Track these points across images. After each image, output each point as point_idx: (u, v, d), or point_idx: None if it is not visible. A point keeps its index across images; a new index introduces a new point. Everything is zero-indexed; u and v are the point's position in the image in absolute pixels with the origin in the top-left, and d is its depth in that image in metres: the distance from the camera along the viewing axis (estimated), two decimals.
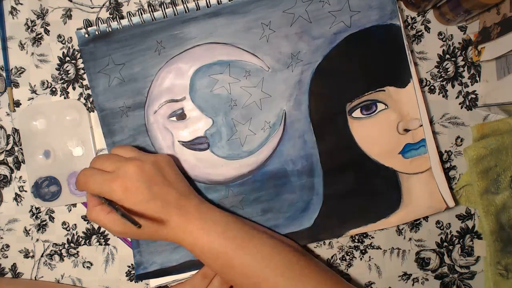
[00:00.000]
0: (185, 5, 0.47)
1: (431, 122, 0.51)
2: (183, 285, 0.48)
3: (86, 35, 0.48)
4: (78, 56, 0.51)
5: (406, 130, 0.48)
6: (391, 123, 0.48)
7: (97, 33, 0.48)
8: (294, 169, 0.48)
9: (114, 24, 0.47)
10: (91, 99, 0.51)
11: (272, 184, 0.49)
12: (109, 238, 0.52)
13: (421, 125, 0.48)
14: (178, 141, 0.48)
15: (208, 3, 0.47)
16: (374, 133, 0.48)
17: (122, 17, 0.49)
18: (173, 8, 0.47)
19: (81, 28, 0.48)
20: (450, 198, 0.48)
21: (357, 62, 0.48)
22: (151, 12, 0.47)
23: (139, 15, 0.47)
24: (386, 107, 0.48)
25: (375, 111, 0.48)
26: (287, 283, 0.40)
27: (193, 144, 0.49)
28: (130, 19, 0.47)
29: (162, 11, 0.47)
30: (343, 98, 0.48)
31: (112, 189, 0.40)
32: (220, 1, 0.47)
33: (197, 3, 0.47)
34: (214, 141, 0.48)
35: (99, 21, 0.48)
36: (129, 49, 0.48)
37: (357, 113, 0.48)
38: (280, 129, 0.48)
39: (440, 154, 0.51)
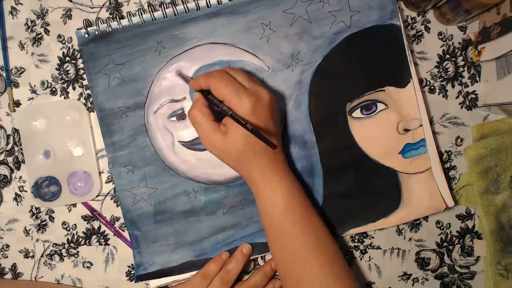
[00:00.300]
0: (185, 5, 0.47)
1: (431, 122, 0.51)
2: (183, 286, 0.48)
3: (86, 35, 0.48)
4: (78, 56, 0.51)
5: (406, 130, 0.48)
6: (391, 123, 0.48)
7: (97, 33, 0.48)
8: (294, 169, 0.48)
9: (114, 24, 0.47)
10: (91, 99, 0.51)
11: None
12: (109, 238, 0.52)
13: (421, 125, 0.48)
14: (178, 141, 0.48)
15: (208, 3, 0.47)
16: (374, 133, 0.48)
17: (122, 17, 0.49)
18: (173, 8, 0.47)
19: (81, 28, 0.48)
20: (450, 198, 0.48)
21: (357, 62, 0.48)
22: (151, 12, 0.47)
23: (139, 15, 0.47)
24: (386, 107, 0.48)
25: (375, 111, 0.48)
26: (327, 278, 0.41)
27: (193, 144, 0.49)
28: (130, 19, 0.47)
29: (162, 11, 0.47)
30: (343, 98, 0.48)
31: (242, 102, 0.39)
32: (220, 1, 0.47)
33: (197, 3, 0.47)
34: None
35: (99, 21, 0.48)
36: (129, 49, 0.48)
37: (357, 113, 0.48)
38: (280, 129, 0.48)
39: (440, 154, 0.51)
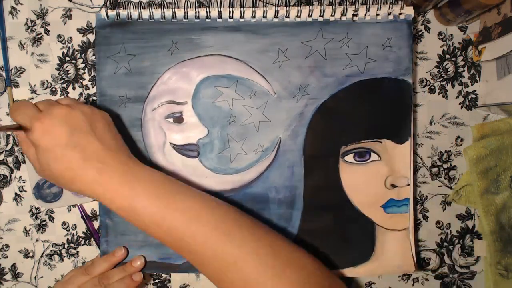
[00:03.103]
0: (207, 10, 0.47)
1: (431, 122, 0.51)
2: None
3: (105, 19, 0.48)
4: (78, 56, 0.51)
5: (393, 186, 0.48)
6: (380, 175, 0.48)
7: (116, 19, 0.48)
8: (275, 197, 0.49)
9: (135, 15, 0.47)
10: (91, 99, 0.51)
11: (251, 207, 0.49)
12: None
13: (408, 185, 0.48)
14: (170, 143, 0.49)
15: (231, 15, 0.47)
16: (362, 182, 0.48)
17: (143, 7, 0.48)
18: (195, 11, 0.47)
19: (100, 10, 0.48)
20: (414, 261, 0.48)
21: (361, 109, 0.48)
22: (173, 9, 0.47)
23: (161, 10, 0.47)
24: (379, 158, 0.48)
25: (367, 159, 0.48)
26: (219, 238, 0.38)
27: (184, 150, 0.49)
28: (152, 12, 0.47)
29: (184, 11, 0.47)
30: (340, 140, 0.48)
31: (33, 127, 0.37)
32: (243, 16, 0.47)
33: (220, 10, 0.47)
34: (205, 151, 0.48)
35: (123, 4, 0.47)
36: (143, 42, 0.48)
37: (349, 157, 0.48)
38: (272, 155, 0.48)
39: (440, 154, 0.51)
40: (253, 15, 0.47)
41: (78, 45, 0.51)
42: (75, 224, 0.52)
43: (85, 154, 0.38)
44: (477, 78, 0.50)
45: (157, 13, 0.47)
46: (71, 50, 0.51)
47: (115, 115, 0.48)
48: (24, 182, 0.52)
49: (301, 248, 0.41)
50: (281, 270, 0.37)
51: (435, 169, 0.51)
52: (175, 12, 0.47)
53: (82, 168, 0.38)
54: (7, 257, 0.52)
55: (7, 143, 0.51)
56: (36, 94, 0.51)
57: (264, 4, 0.50)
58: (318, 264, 0.40)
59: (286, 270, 0.37)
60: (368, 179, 0.48)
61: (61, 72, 0.51)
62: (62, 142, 0.38)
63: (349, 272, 0.49)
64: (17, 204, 0.52)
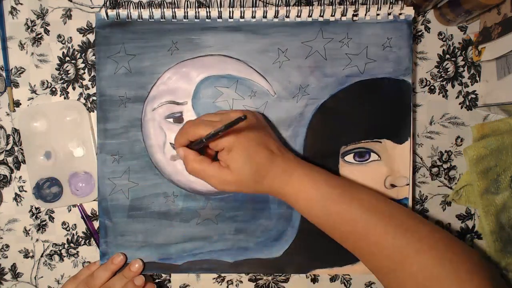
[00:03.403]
0: (207, 10, 0.47)
1: (431, 122, 0.51)
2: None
3: (105, 19, 0.48)
4: (78, 56, 0.51)
5: (393, 186, 0.48)
6: (380, 175, 0.48)
7: (116, 19, 0.48)
8: (276, 197, 0.48)
9: (135, 15, 0.47)
10: (91, 99, 0.51)
11: (251, 207, 0.49)
12: None
13: (407, 185, 0.48)
14: (170, 143, 0.49)
15: (231, 15, 0.47)
16: (362, 181, 0.48)
17: (143, 7, 0.49)
18: (195, 11, 0.47)
19: (100, 10, 0.48)
20: None
21: (361, 109, 0.48)
22: (173, 9, 0.47)
23: (161, 10, 0.47)
24: (379, 158, 0.48)
25: (367, 159, 0.48)
26: (397, 229, 0.39)
27: None
28: (152, 12, 0.47)
29: (184, 11, 0.47)
30: (340, 140, 0.48)
31: (220, 144, 0.41)
32: (243, 16, 0.47)
33: (220, 11, 0.47)
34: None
35: (122, 4, 0.47)
36: (143, 42, 0.48)
37: (349, 157, 0.48)
38: None
39: (440, 154, 0.51)
40: (253, 15, 0.47)
41: (78, 45, 0.51)
42: (75, 224, 0.52)
43: (271, 150, 0.42)
44: (477, 78, 0.50)
45: (157, 13, 0.47)
46: (71, 50, 0.51)
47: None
48: (24, 182, 0.52)
49: (466, 244, 0.41)
50: (456, 265, 0.37)
51: (435, 169, 0.51)
52: (175, 12, 0.47)
53: (272, 163, 0.41)
54: (7, 257, 0.52)
55: (7, 143, 0.51)
56: (36, 94, 0.51)
57: (264, 4, 0.50)
58: (446, 234, 0.40)
59: (459, 265, 0.37)
60: (368, 179, 0.48)
61: (61, 72, 0.51)
62: (254, 141, 0.41)
63: (347, 269, 0.49)
64: (17, 204, 0.52)
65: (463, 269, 0.37)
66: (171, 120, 0.48)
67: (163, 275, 0.52)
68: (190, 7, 0.47)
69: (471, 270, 0.37)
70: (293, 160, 0.42)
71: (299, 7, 0.47)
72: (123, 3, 0.50)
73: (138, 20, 0.48)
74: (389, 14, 0.47)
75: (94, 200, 0.51)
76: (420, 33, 0.50)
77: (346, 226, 0.40)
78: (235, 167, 0.41)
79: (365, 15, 0.47)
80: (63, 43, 0.51)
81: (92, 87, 0.51)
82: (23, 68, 0.51)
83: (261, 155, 0.41)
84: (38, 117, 0.50)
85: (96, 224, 0.52)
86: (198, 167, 0.41)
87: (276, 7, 0.47)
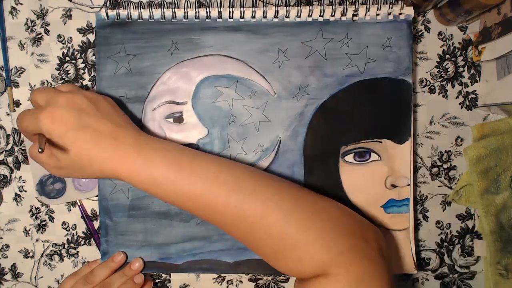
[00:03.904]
0: (207, 10, 0.47)
1: (431, 122, 0.51)
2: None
3: (105, 19, 0.48)
4: (78, 56, 0.51)
5: (394, 186, 0.48)
6: (380, 175, 0.48)
7: (116, 19, 0.48)
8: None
9: (135, 15, 0.47)
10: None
11: None
12: None
13: (409, 185, 0.48)
14: None
15: (231, 15, 0.47)
16: (362, 182, 0.48)
17: (143, 7, 0.49)
18: (195, 11, 0.47)
19: (100, 10, 0.48)
20: (414, 262, 0.48)
21: (361, 109, 0.48)
22: (173, 9, 0.47)
23: (161, 10, 0.47)
24: (380, 158, 0.48)
25: (367, 159, 0.48)
26: (239, 196, 0.38)
27: None
28: (152, 12, 0.47)
29: (184, 11, 0.47)
30: (340, 140, 0.48)
31: (40, 120, 0.38)
32: (243, 16, 0.47)
33: (220, 11, 0.47)
34: (205, 151, 0.48)
35: (123, 4, 0.47)
36: (143, 42, 0.48)
37: (350, 157, 0.48)
38: (272, 155, 0.48)
39: (440, 154, 0.51)
40: (253, 15, 0.47)
41: (78, 45, 0.51)
42: (75, 224, 0.52)
43: (97, 133, 0.39)
44: (477, 78, 0.50)
45: (157, 13, 0.48)
46: (71, 50, 0.51)
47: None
48: (24, 182, 0.52)
49: (325, 196, 0.41)
50: (308, 220, 0.38)
51: (435, 169, 0.51)
52: (175, 12, 0.47)
53: (97, 147, 0.38)
54: (7, 257, 0.52)
55: (7, 143, 0.51)
56: None
57: (264, 4, 0.50)
58: (344, 209, 0.40)
59: (312, 219, 0.38)
60: (368, 179, 0.48)
61: (61, 72, 0.51)
62: (72, 126, 0.38)
63: None
64: (17, 204, 0.52)
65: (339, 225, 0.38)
66: (171, 120, 0.48)
67: (163, 274, 0.52)
68: (190, 7, 0.47)
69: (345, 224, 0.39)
70: (129, 139, 0.40)
71: (299, 7, 0.47)
72: (123, 3, 0.50)
73: (138, 20, 0.48)
74: (389, 14, 0.47)
75: (97, 196, 0.51)
76: (420, 33, 0.50)
77: (189, 202, 0.39)
78: (57, 154, 0.39)
79: (365, 15, 0.47)
80: (63, 43, 0.51)
81: (92, 87, 0.51)
82: (23, 68, 0.51)
83: (82, 139, 0.38)
84: None
85: (96, 224, 0.52)
86: (33, 153, 0.40)
87: (276, 7, 0.47)
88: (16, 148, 0.51)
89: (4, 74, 0.51)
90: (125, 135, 0.40)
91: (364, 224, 0.41)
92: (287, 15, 0.47)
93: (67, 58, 0.51)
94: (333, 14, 0.47)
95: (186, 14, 0.47)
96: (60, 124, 0.38)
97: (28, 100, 0.51)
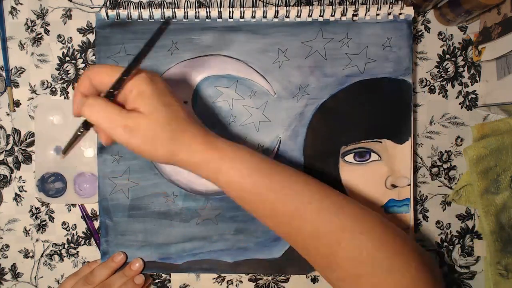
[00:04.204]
0: (207, 10, 0.47)
1: (431, 122, 0.51)
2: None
3: (105, 19, 0.48)
4: (78, 56, 0.51)
5: (394, 186, 0.48)
6: (380, 175, 0.48)
7: (116, 19, 0.48)
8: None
9: (135, 15, 0.47)
10: None
11: None
12: None
13: (409, 185, 0.48)
14: None
15: (231, 15, 0.47)
16: (362, 181, 0.48)
17: (143, 8, 0.48)
18: (195, 11, 0.47)
19: (100, 10, 0.49)
20: None
21: (361, 109, 0.48)
22: (173, 9, 0.47)
23: (161, 10, 0.47)
24: (380, 158, 0.48)
25: (367, 159, 0.48)
26: (323, 216, 0.37)
27: None
28: (152, 12, 0.47)
29: (184, 11, 0.47)
30: (340, 140, 0.48)
31: (134, 79, 0.34)
32: (243, 16, 0.47)
33: (220, 10, 0.47)
34: None
35: (123, 4, 0.47)
36: (144, 42, 0.48)
37: (350, 157, 0.48)
38: (272, 155, 0.49)
39: (440, 154, 0.51)
40: (253, 15, 0.47)
41: (78, 45, 0.51)
42: (75, 224, 0.52)
43: (185, 113, 0.36)
44: (477, 78, 0.50)
45: (157, 13, 0.47)
46: (71, 50, 0.51)
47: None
48: (24, 182, 0.52)
49: (364, 206, 0.40)
50: (350, 223, 0.37)
51: (435, 169, 0.51)
52: (175, 12, 0.47)
53: (190, 123, 0.36)
54: (7, 257, 0.52)
55: (7, 143, 0.51)
56: (36, 94, 0.51)
57: (264, 4, 0.50)
58: (381, 218, 0.40)
59: (353, 223, 0.37)
60: (369, 180, 0.48)
61: (61, 72, 0.51)
62: (169, 92, 0.36)
63: None
64: (17, 204, 0.52)
65: (400, 253, 0.36)
66: None
67: (163, 275, 0.52)
68: (190, 7, 0.47)
69: (408, 255, 0.36)
70: (212, 133, 0.38)
71: (299, 7, 0.47)
72: (123, 3, 0.50)
73: (138, 20, 0.48)
74: (389, 14, 0.47)
75: (94, 203, 0.51)
76: (420, 33, 0.50)
77: (282, 217, 0.38)
78: (147, 108, 0.34)
79: (365, 15, 0.47)
80: (63, 43, 0.51)
81: None
82: (23, 68, 0.51)
83: (177, 108, 0.35)
84: (55, 112, 0.50)
85: (96, 224, 0.52)
86: (94, 105, 0.33)
87: (276, 7, 0.47)
88: (16, 148, 0.51)
89: (4, 74, 0.51)
90: (201, 126, 0.38)
91: (398, 233, 0.39)
92: (287, 15, 0.47)
93: (67, 58, 0.51)
94: (333, 14, 0.47)
95: (186, 14, 0.47)
96: (160, 87, 0.35)
97: (29, 100, 0.51)
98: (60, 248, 0.52)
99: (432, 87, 0.51)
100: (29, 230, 0.52)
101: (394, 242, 0.37)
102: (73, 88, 0.51)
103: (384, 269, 0.36)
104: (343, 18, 0.47)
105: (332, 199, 0.39)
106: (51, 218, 0.52)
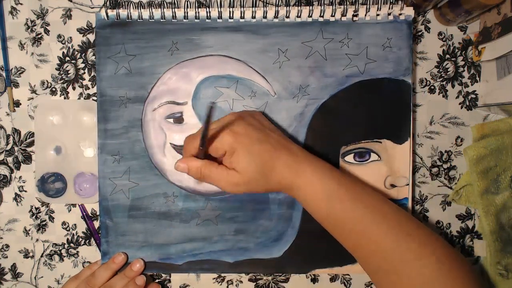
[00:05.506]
0: (207, 10, 0.47)
1: (431, 122, 0.51)
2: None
3: (105, 19, 0.48)
4: (78, 56, 0.51)
5: (393, 186, 0.48)
6: (380, 175, 0.48)
7: (116, 19, 0.48)
8: (276, 198, 0.49)
9: (135, 15, 0.47)
10: (91, 99, 0.51)
11: (251, 207, 0.49)
12: None
13: (407, 184, 0.48)
14: (170, 143, 0.49)
15: (231, 15, 0.47)
16: None
17: (143, 8, 0.49)
18: (195, 11, 0.47)
19: (100, 10, 0.48)
20: None
21: (361, 109, 0.48)
22: (173, 9, 0.47)
23: (161, 10, 0.47)
24: (379, 158, 0.48)
25: (367, 159, 0.48)
26: (400, 233, 0.39)
27: None
28: (152, 12, 0.47)
29: (184, 11, 0.47)
30: (340, 140, 0.48)
31: (222, 137, 0.40)
32: (243, 16, 0.47)
33: (220, 10, 0.47)
34: None
35: (123, 4, 0.47)
36: (143, 42, 0.48)
37: (349, 157, 0.48)
38: None
39: (440, 154, 0.51)
40: (253, 15, 0.47)
41: (78, 45, 0.51)
42: (75, 224, 0.52)
43: (274, 145, 0.41)
44: (477, 78, 0.50)
45: (157, 13, 0.47)
46: (71, 50, 0.51)
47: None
48: (24, 182, 0.52)
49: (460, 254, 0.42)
50: (449, 272, 0.38)
51: (435, 169, 0.51)
52: (175, 12, 0.47)
53: (277, 157, 0.41)
54: (7, 257, 0.52)
55: (7, 143, 0.51)
56: (36, 94, 0.51)
57: (264, 4, 0.50)
58: (454, 252, 0.40)
59: (453, 272, 0.38)
60: (368, 179, 0.48)
61: (61, 72, 0.51)
62: (256, 139, 0.41)
63: (347, 269, 0.49)
64: (17, 204, 0.52)
65: (459, 277, 0.38)
66: (171, 120, 0.48)
67: (163, 275, 0.52)
68: (190, 7, 0.47)
69: (466, 279, 0.38)
70: (299, 154, 0.42)
71: (299, 7, 0.47)
72: (123, 3, 0.50)
73: (138, 20, 0.48)
74: (389, 14, 0.47)
75: (95, 203, 0.51)
76: (420, 33, 0.50)
77: (349, 224, 0.40)
78: (240, 167, 0.40)
79: (365, 15, 0.47)
80: (63, 43, 0.51)
81: (92, 87, 0.51)
82: (23, 68, 0.51)
83: (264, 152, 0.40)
84: (55, 112, 0.50)
85: (96, 224, 0.52)
86: (205, 171, 0.41)
87: (276, 7, 0.47)
88: (16, 148, 0.51)
89: (4, 74, 0.51)
90: (293, 146, 0.42)
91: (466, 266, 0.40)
92: (287, 15, 0.47)
93: (67, 58, 0.51)
94: (333, 14, 0.47)
95: (186, 14, 0.47)
96: (243, 137, 0.40)
97: (29, 100, 0.51)
98: (60, 248, 0.52)
99: (432, 87, 0.51)
100: (29, 230, 0.52)
101: (453, 267, 0.38)
102: (73, 88, 0.51)
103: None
104: (343, 19, 0.47)
105: (401, 220, 0.40)
106: (51, 218, 0.52)
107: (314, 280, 0.52)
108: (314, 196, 0.41)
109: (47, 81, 0.51)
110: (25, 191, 0.52)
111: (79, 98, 0.51)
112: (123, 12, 0.48)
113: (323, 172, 0.41)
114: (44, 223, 0.52)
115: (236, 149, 0.40)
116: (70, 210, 0.52)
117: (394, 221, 0.40)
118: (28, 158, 0.51)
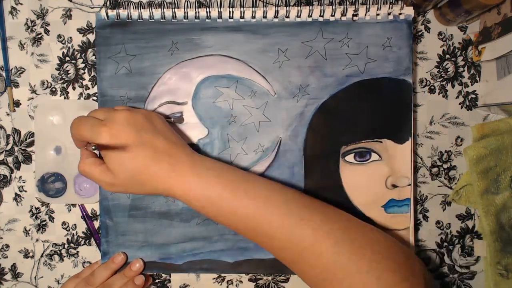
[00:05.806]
0: (207, 10, 0.47)
1: (431, 122, 0.51)
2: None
3: (105, 19, 0.48)
4: (78, 56, 0.51)
5: (394, 186, 0.48)
6: (381, 175, 0.48)
7: (116, 19, 0.48)
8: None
9: (135, 15, 0.47)
10: (91, 99, 0.51)
11: None
12: None
13: (409, 185, 0.48)
14: None
15: (231, 15, 0.47)
16: (362, 181, 0.48)
17: (143, 8, 0.49)
18: (195, 11, 0.47)
19: (100, 10, 0.48)
20: None
21: (362, 109, 0.48)
22: (173, 9, 0.47)
23: (161, 10, 0.47)
24: (380, 158, 0.48)
25: (368, 159, 0.48)
26: (291, 221, 0.38)
27: None
28: (152, 12, 0.47)
29: (184, 11, 0.47)
30: (340, 140, 0.48)
31: (99, 133, 0.38)
32: (243, 16, 0.47)
33: (220, 10, 0.47)
34: (205, 151, 0.48)
35: (123, 4, 0.47)
36: (144, 42, 0.48)
37: (350, 157, 0.48)
38: (272, 155, 0.48)
39: (440, 154, 0.51)
40: (253, 15, 0.47)
41: (78, 45, 0.51)
42: (75, 224, 0.52)
43: (155, 150, 0.40)
44: (477, 78, 0.51)
45: (157, 13, 0.48)
46: (71, 50, 0.51)
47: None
48: (24, 182, 0.52)
49: (372, 225, 0.41)
50: (358, 249, 0.38)
51: (435, 169, 0.51)
52: (175, 12, 0.47)
53: (155, 164, 0.39)
54: (7, 257, 0.52)
55: (7, 143, 0.51)
56: (36, 94, 0.51)
57: (264, 4, 0.50)
58: (393, 240, 0.40)
59: (364, 249, 0.38)
60: (369, 179, 0.48)
61: (61, 72, 0.51)
62: (133, 141, 0.39)
63: None
64: (17, 204, 0.52)
65: (366, 256, 0.37)
66: (171, 120, 0.48)
67: (163, 275, 0.52)
68: (190, 7, 0.48)
69: (414, 270, 0.38)
70: (184, 159, 0.41)
71: (299, 7, 0.47)
72: (123, 3, 0.50)
73: (138, 20, 0.48)
74: (389, 14, 0.47)
75: (95, 203, 0.51)
76: (420, 33, 0.50)
77: (241, 223, 0.40)
78: (114, 169, 0.40)
79: (365, 15, 0.47)
80: (63, 43, 0.51)
81: (92, 87, 0.51)
82: (23, 68, 0.51)
83: (140, 157, 0.39)
84: (55, 112, 0.50)
85: (96, 224, 0.52)
86: (86, 169, 0.41)
87: (276, 7, 0.47)
88: (16, 148, 0.51)
89: (4, 74, 0.51)
90: (181, 153, 0.41)
91: (411, 256, 0.40)
92: (287, 15, 0.47)
93: (67, 58, 0.51)
94: (333, 14, 0.47)
95: (186, 14, 0.47)
96: (120, 140, 0.39)
97: (29, 100, 0.51)
98: (60, 248, 0.52)
99: (432, 87, 0.51)
100: (29, 230, 0.52)
101: (358, 242, 0.38)
102: (73, 88, 0.51)
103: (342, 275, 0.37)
104: (343, 18, 0.48)
105: (296, 206, 0.40)
106: (51, 218, 0.52)
107: None
108: (196, 202, 0.40)
109: (47, 81, 0.51)
110: (25, 191, 0.52)
111: (79, 98, 0.51)
112: (123, 12, 0.48)
113: (206, 176, 0.40)
114: (44, 223, 0.52)
115: (114, 149, 0.39)
116: (70, 210, 0.52)
117: (287, 209, 0.39)
118: (28, 158, 0.51)
